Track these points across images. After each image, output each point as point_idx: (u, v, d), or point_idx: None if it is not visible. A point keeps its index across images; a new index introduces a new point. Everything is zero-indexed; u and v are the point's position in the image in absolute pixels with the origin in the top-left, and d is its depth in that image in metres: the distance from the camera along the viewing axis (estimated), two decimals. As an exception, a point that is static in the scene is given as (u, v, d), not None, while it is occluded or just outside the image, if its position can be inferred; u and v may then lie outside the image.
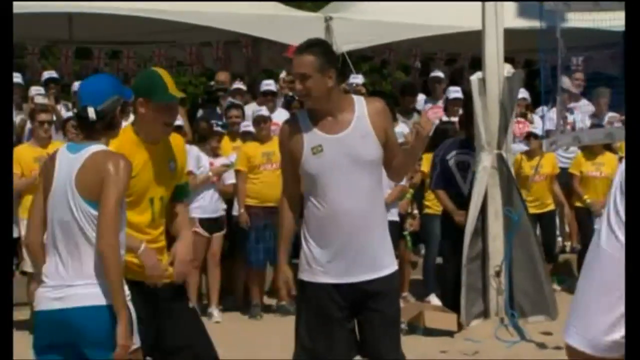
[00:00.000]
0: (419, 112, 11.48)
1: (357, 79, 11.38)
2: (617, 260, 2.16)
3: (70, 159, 3.96)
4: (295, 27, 11.52)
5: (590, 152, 10.28)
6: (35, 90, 10.48)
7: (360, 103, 4.37)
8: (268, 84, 10.86)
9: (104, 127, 4.00)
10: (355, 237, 4.28)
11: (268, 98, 10.62)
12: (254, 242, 9.31)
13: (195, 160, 9.16)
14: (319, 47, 4.37)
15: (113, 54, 13.75)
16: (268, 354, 7.42)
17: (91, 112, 3.96)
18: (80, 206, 3.86)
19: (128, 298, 3.90)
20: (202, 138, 9.41)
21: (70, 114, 9.51)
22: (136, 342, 3.92)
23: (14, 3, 11.01)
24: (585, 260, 2.25)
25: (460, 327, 8.20)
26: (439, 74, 12.08)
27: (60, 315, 3.85)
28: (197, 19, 11.75)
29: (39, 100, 9.88)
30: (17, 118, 10.09)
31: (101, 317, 3.81)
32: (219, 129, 9.57)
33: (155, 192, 4.42)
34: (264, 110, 9.63)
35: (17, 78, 10.48)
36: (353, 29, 12.01)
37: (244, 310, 9.51)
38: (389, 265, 4.39)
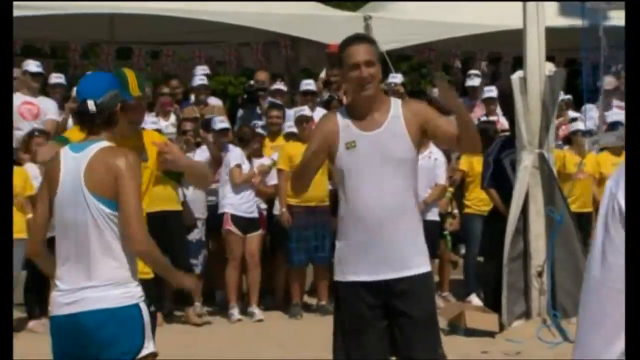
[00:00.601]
0: None
1: (396, 78, 11.35)
2: (613, 291, 2.10)
3: (75, 159, 3.86)
4: (334, 27, 11.52)
5: (612, 152, 10.19)
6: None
7: (396, 104, 4.42)
8: (308, 84, 10.87)
9: (104, 121, 3.89)
10: (382, 234, 4.27)
11: (308, 98, 10.63)
12: (294, 242, 9.33)
13: (241, 157, 9.25)
14: (371, 39, 4.53)
15: (153, 54, 13.85)
16: (308, 354, 7.42)
17: (91, 105, 3.87)
18: (94, 204, 3.77)
19: (142, 299, 3.83)
20: (244, 140, 9.45)
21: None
22: (150, 347, 3.84)
23: (56, 4, 11.25)
24: (582, 289, 2.18)
25: (501, 327, 8.17)
26: (475, 82, 11.96)
27: (73, 320, 3.79)
28: (236, 19, 11.80)
29: (81, 100, 9.95)
30: (60, 117, 10.19)
31: (113, 320, 3.75)
32: (260, 130, 9.60)
33: None
34: (306, 110, 9.64)
35: (59, 78, 10.58)
36: (392, 29, 11.98)
37: (285, 309, 9.53)
38: (420, 265, 4.35)
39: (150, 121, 9.57)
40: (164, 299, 9.30)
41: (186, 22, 11.83)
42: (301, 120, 9.51)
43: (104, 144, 3.86)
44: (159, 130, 9.20)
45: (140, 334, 3.79)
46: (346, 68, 4.34)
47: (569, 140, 9.94)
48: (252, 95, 11.03)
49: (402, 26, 12.12)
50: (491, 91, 11.36)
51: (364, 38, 4.52)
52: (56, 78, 10.64)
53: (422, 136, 4.39)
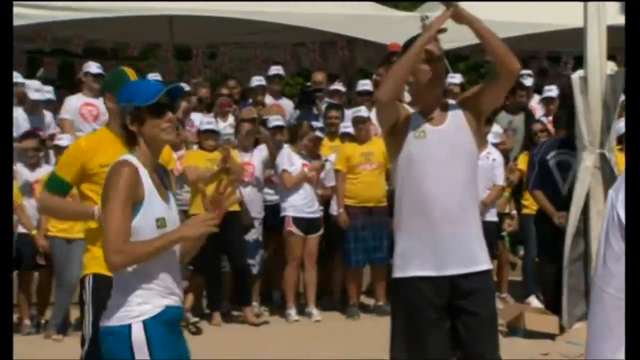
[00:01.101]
0: (524, 109, 11.27)
1: (454, 78, 11.28)
2: (615, 297, 2.07)
3: None
4: (391, 27, 11.50)
5: None
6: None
7: (452, 102, 4.47)
8: (364, 84, 10.85)
9: (125, 139, 3.77)
10: (449, 228, 4.22)
11: (365, 98, 10.61)
12: (352, 242, 9.32)
13: (288, 158, 9.25)
14: (437, 38, 4.52)
15: (211, 55, 13.97)
16: (365, 354, 7.41)
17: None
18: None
19: (141, 318, 3.62)
20: (293, 137, 9.45)
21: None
22: None
23: (117, 5, 11.40)
24: (590, 299, 2.16)
25: (562, 329, 8.08)
26: (527, 82, 11.81)
27: None
28: (293, 19, 11.84)
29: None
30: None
31: (106, 338, 3.68)
32: (318, 133, 9.57)
33: None
34: (362, 111, 9.60)
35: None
36: (449, 28, 11.89)
37: (342, 310, 9.53)
38: (485, 262, 4.32)
39: (205, 121, 9.64)
40: (222, 299, 9.36)
41: (244, 23, 11.91)
42: (357, 121, 9.49)
43: (122, 157, 3.71)
44: (213, 131, 9.27)
45: (130, 356, 3.60)
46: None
47: (620, 140, 9.79)
48: (308, 96, 11.05)
49: (460, 26, 12.00)
50: (550, 90, 11.23)
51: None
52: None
53: (479, 116, 4.37)
